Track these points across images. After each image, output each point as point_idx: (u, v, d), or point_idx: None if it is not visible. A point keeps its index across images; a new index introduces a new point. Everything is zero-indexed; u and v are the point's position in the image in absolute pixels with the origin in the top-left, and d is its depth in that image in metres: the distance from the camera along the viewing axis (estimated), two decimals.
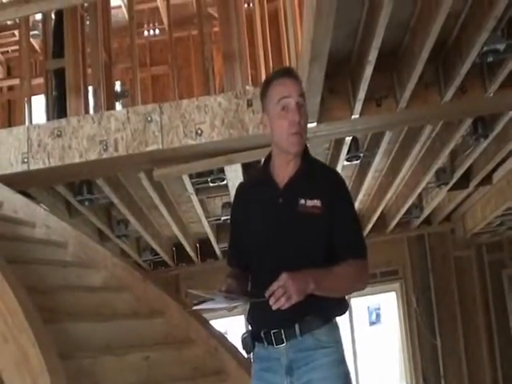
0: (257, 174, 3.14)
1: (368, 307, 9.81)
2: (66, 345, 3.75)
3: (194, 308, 2.56)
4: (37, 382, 3.18)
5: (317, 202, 2.60)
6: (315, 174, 2.72)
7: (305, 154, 2.75)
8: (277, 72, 2.89)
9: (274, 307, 2.33)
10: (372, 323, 9.89)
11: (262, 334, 2.64)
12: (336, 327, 2.67)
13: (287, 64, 5.21)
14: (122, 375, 3.81)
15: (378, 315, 9.90)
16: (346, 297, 2.71)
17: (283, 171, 2.72)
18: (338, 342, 2.64)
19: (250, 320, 2.73)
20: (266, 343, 2.64)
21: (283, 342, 2.59)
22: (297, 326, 2.57)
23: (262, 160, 2.94)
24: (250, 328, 2.74)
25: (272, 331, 2.60)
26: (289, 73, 2.74)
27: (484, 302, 9.08)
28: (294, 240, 2.60)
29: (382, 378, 9.33)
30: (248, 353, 2.75)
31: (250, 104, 4.99)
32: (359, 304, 9.08)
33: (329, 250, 2.61)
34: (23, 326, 3.36)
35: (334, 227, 2.61)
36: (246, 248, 2.75)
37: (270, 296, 2.33)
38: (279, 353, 2.61)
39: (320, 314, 2.59)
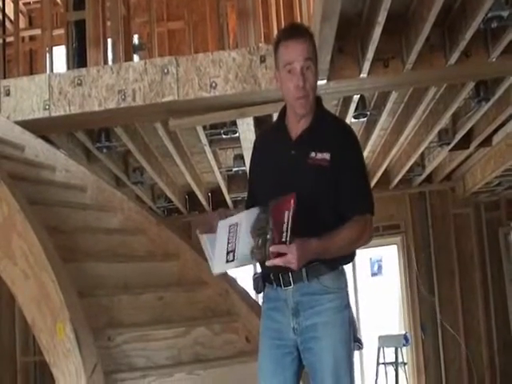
0: (273, 126, 3.16)
1: (370, 259, 10.00)
2: (85, 283, 3.84)
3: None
4: (56, 318, 3.27)
5: (326, 155, 2.65)
6: (326, 127, 2.75)
7: (318, 106, 2.78)
8: (284, 31, 2.91)
9: (268, 263, 2.47)
10: (374, 274, 10.10)
11: (272, 276, 2.72)
12: (342, 274, 2.75)
13: None
14: (137, 313, 3.87)
15: (379, 267, 10.08)
16: None
17: (296, 124, 2.77)
18: (342, 289, 2.72)
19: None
20: (274, 284, 2.72)
21: (290, 285, 2.67)
22: (304, 271, 2.62)
23: (275, 114, 3.06)
24: (260, 269, 2.80)
25: (280, 273, 2.66)
26: (294, 34, 2.71)
27: (481, 258, 9.18)
28: (303, 191, 2.58)
29: (382, 325, 9.45)
30: (258, 292, 2.83)
31: (263, 60, 5.05)
32: (362, 256, 9.14)
33: (338, 202, 2.69)
34: (44, 264, 3.44)
35: (339, 181, 2.66)
36: (259, 196, 2.80)
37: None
38: (287, 294, 2.69)
39: (327, 261, 2.65)
